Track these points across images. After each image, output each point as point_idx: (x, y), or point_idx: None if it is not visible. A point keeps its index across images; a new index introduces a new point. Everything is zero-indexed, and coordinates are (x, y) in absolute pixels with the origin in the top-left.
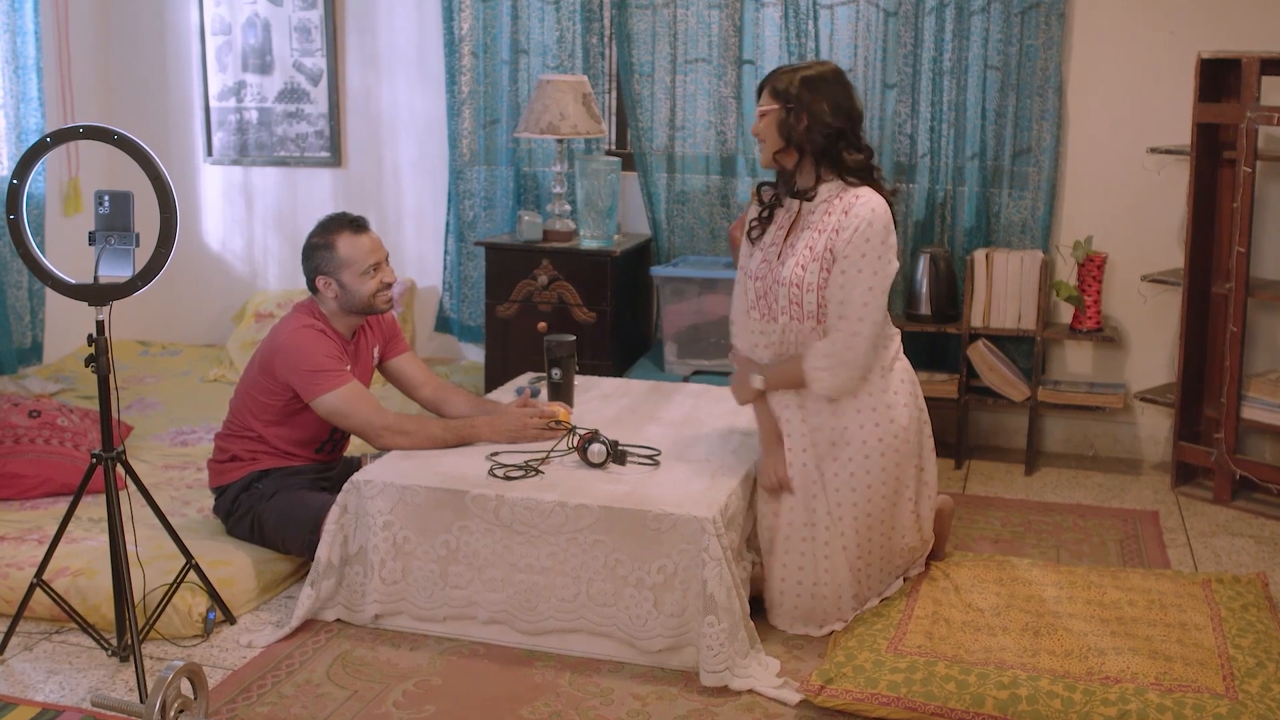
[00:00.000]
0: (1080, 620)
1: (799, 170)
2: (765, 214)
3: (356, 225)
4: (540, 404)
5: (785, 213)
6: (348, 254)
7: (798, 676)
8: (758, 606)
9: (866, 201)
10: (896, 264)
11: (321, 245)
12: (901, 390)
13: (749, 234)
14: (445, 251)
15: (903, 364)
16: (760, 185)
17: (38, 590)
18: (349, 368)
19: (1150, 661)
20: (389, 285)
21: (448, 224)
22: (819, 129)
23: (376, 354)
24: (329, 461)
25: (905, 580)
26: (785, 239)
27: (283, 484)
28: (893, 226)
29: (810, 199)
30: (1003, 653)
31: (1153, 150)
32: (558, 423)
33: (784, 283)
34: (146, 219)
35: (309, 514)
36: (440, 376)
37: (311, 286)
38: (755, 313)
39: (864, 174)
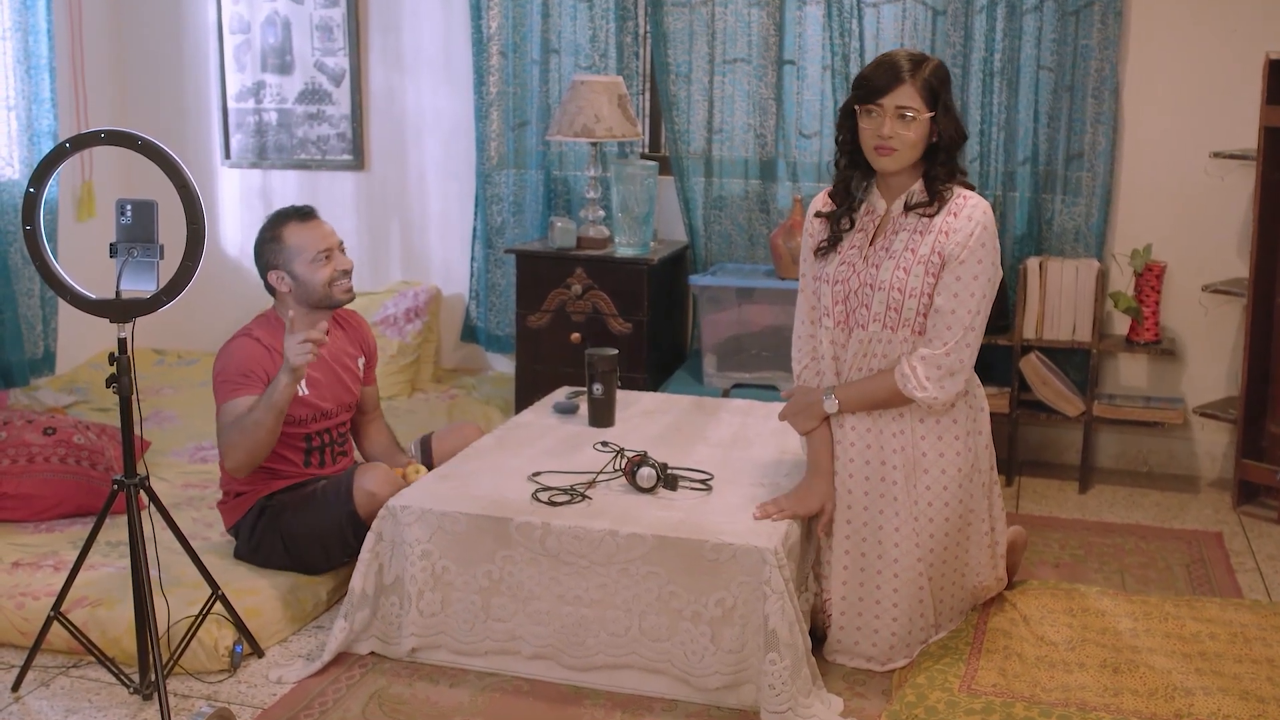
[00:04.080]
0: (1161, 655)
1: (909, 179)
2: (838, 225)
3: (303, 214)
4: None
5: (867, 215)
6: (296, 242)
7: (863, 716)
8: (815, 639)
9: (976, 204)
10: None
11: (269, 239)
12: (980, 416)
13: (818, 245)
14: (472, 258)
15: (979, 386)
16: (819, 213)
17: (54, 622)
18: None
19: (1242, 703)
20: (346, 273)
21: (475, 230)
22: (955, 134)
23: (361, 366)
24: (333, 474)
25: (971, 610)
26: (871, 242)
27: (297, 492)
28: None
29: (934, 214)
30: (1083, 692)
31: (1216, 155)
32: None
33: (882, 287)
34: (166, 227)
35: (339, 492)
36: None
37: (268, 287)
38: (829, 320)
39: (964, 177)
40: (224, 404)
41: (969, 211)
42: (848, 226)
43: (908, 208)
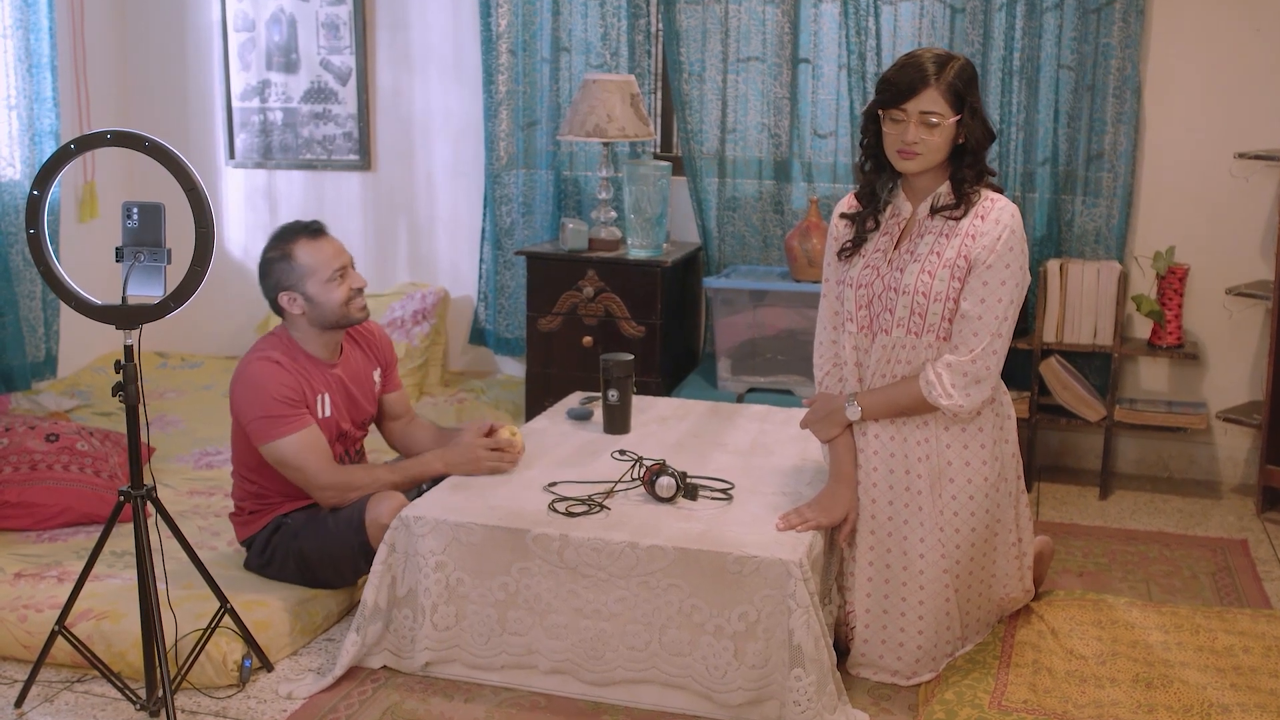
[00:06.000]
0: (1194, 670)
1: (935, 181)
2: (864, 226)
3: (313, 230)
4: (494, 426)
5: (892, 217)
6: (308, 261)
7: None
8: (837, 651)
9: (1004, 207)
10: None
11: (278, 258)
12: (1007, 424)
13: (842, 247)
14: (481, 260)
15: (1006, 394)
16: (843, 214)
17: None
18: (325, 397)
19: None
20: (360, 291)
21: (483, 231)
22: (982, 135)
23: (378, 379)
24: None
25: (998, 622)
26: (896, 245)
27: (310, 512)
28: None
29: (960, 217)
30: (1115, 708)
31: (1240, 155)
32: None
33: (907, 291)
34: (168, 230)
35: (351, 520)
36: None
37: (276, 308)
38: (853, 325)
39: (993, 178)
40: (284, 438)
41: (996, 215)
42: (872, 228)
43: (934, 210)
